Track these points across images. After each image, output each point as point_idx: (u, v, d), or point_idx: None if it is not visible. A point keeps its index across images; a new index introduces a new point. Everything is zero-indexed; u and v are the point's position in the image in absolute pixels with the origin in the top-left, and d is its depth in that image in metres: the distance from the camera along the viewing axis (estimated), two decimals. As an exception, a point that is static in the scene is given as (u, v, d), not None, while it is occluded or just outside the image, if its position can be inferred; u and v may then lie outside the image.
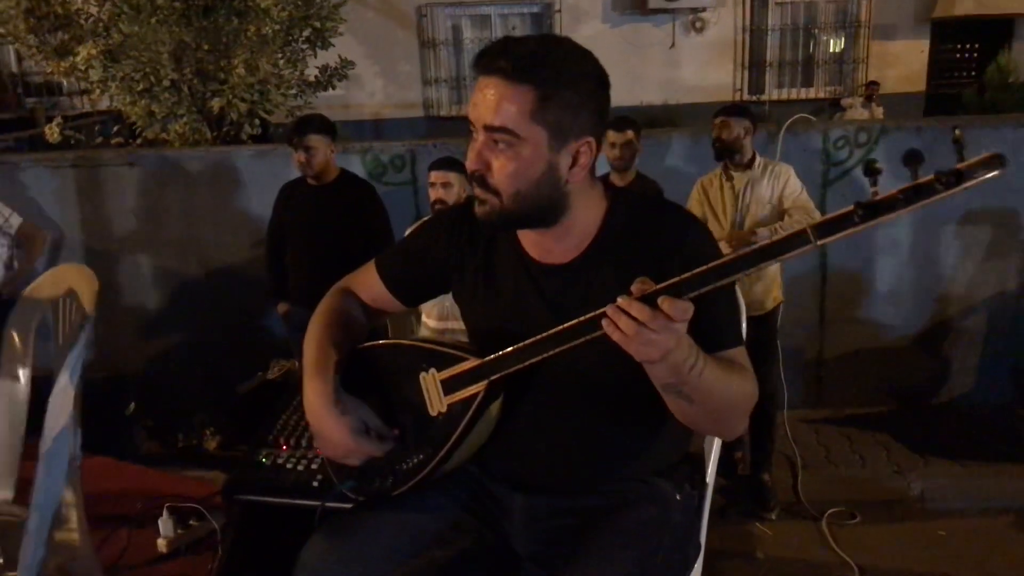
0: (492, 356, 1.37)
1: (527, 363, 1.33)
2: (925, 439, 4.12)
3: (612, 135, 3.75)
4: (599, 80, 1.32)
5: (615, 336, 1.16)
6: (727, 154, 3.56)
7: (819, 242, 1.08)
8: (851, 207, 1.06)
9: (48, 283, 1.46)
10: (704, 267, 1.15)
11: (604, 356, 1.23)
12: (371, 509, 1.50)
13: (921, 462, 3.92)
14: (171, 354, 4.73)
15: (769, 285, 3.61)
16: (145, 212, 4.61)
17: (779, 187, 3.53)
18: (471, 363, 1.40)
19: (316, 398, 1.44)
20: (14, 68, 9.46)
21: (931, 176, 1.03)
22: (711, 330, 1.28)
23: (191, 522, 1.98)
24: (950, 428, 4.27)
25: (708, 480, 1.65)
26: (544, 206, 1.35)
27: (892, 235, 4.35)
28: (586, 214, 1.40)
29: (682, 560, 1.49)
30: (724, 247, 3.56)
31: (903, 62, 11.60)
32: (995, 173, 1.02)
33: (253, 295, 4.39)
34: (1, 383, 1.51)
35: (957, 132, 1.06)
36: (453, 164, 3.28)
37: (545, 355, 1.30)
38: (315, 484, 1.77)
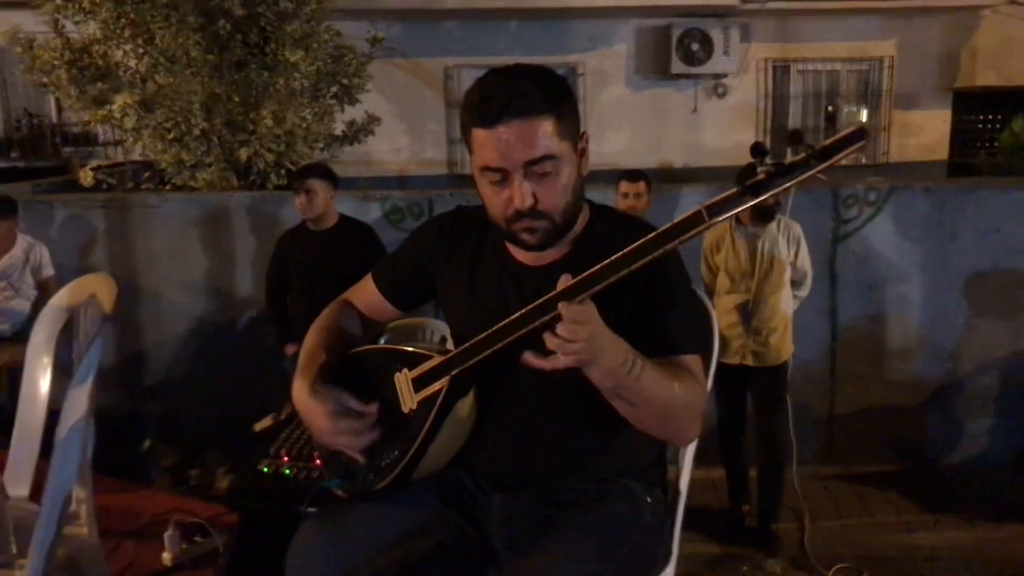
0: (452, 353, 1.45)
1: (480, 357, 1.39)
2: (936, 498, 4.10)
3: (624, 185, 3.84)
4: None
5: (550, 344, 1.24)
6: (770, 215, 3.49)
7: (711, 220, 1.20)
8: (736, 189, 1.19)
9: (72, 290, 1.55)
10: (605, 262, 1.24)
11: None
12: (359, 501, 1.57)
13: (931, 521, 3.89)
14: (190, 392, 4.81)
15: (783, 336, 3.62)
16: (169, 253, 4.75)
17: (794, 248, 3.58)
18: (435, 360, 1.48)
19: (299, 390, 1.54)
20: (54, 118, 9.81)
21: (802, 155, 1.14)
22: (660, 334, 1.35)
23: (195, 538, 2.03)
24: (962, 488, 4.24)
25: (681, 488, 1.69)
26: (576, 210, 1.47)
27: (902, 292, 4.38)
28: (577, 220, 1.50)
29: (649, 560, 1.52)
30: (734, 303, 3.60)
31: (926, 131, 11.67)
32: (859, 144, 1.13)
33: (271, 336, 4.48)
34: (25, 385, 1.59)
35: (829, 109, 1.17)
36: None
37: (495, 348, 1.36)
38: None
